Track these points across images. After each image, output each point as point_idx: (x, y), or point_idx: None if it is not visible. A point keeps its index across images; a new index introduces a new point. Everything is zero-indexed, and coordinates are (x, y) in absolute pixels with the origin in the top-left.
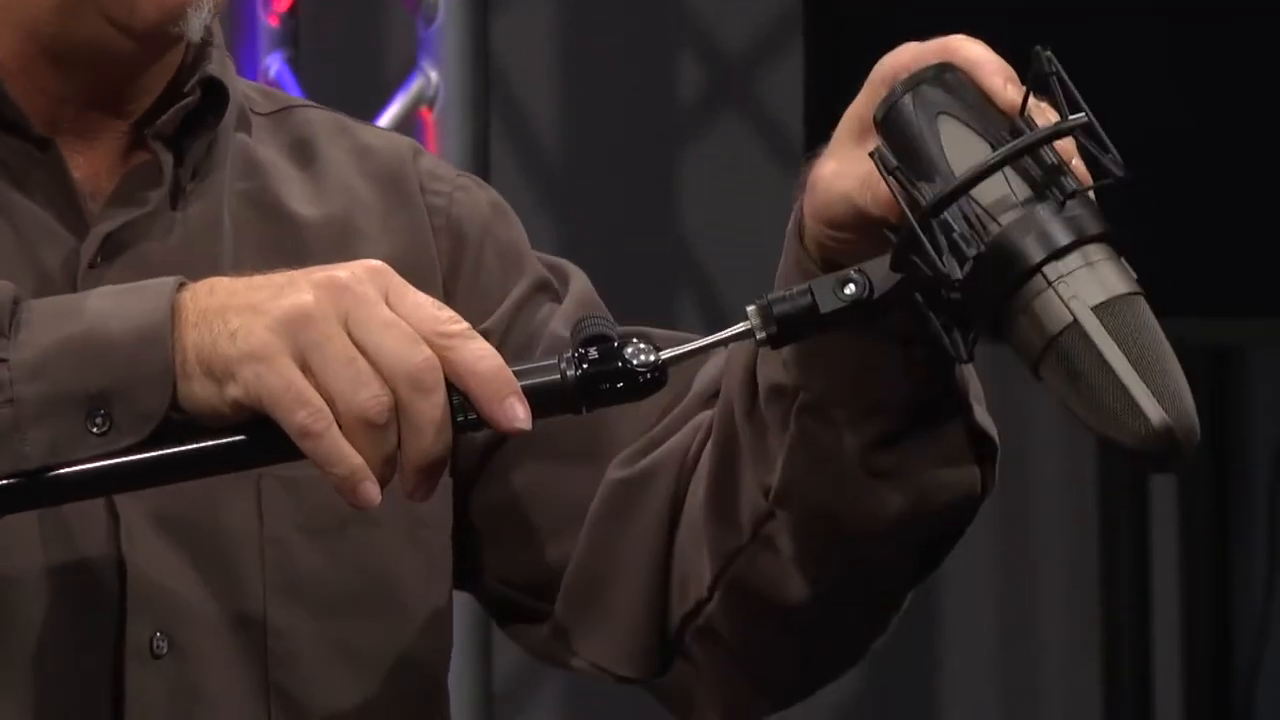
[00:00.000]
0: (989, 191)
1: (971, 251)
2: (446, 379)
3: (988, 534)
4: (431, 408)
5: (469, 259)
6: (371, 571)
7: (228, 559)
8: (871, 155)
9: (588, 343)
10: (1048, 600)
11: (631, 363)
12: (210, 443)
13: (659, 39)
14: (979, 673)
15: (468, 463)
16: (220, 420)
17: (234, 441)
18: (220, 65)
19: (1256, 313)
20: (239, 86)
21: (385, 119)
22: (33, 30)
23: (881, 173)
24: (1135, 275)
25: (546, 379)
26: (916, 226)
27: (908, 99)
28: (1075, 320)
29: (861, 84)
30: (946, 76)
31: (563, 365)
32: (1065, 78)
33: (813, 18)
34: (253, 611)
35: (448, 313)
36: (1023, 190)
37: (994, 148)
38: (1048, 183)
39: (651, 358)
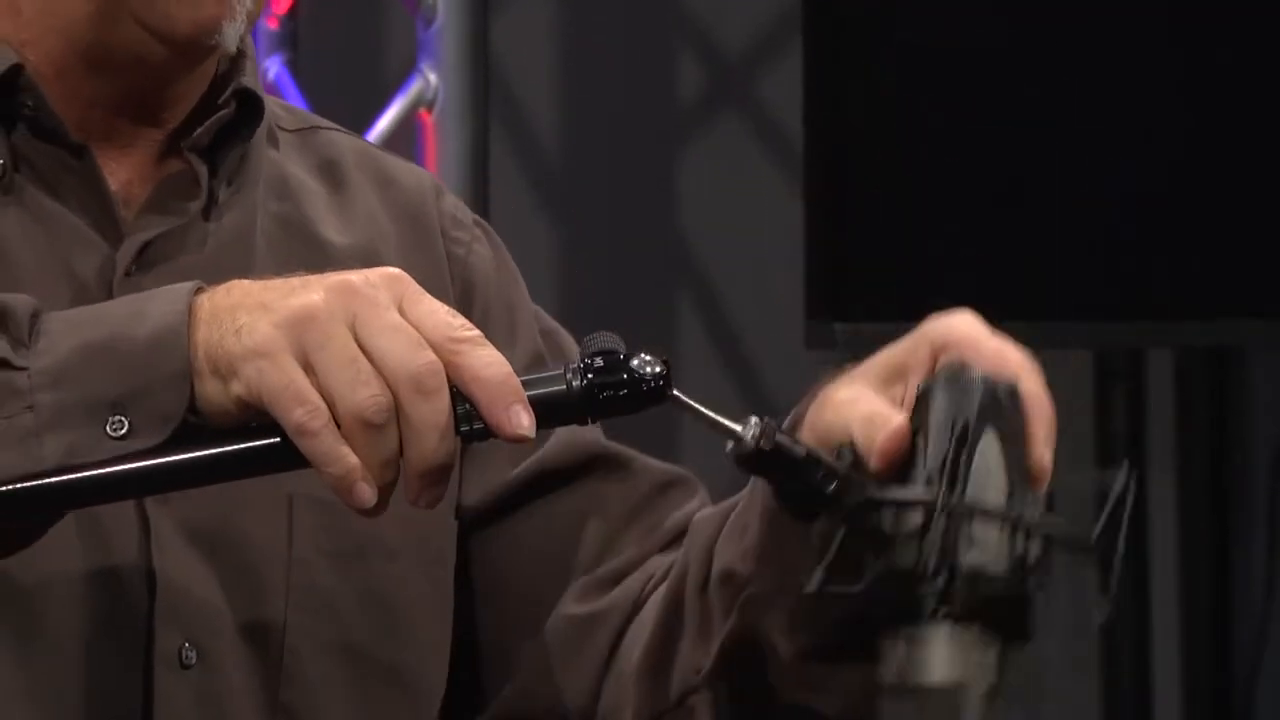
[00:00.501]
0: (978, 527)
1: (931, 561)
2: (453, 387)
3: None
4: (433, 412)
5: (475, 316)
6: (386, 602)
7: (255, 575)
8: (911, 420)
9: (594, 355)
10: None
11: (637, 373)
12: (219, 449)
13: (658, 39)
14: None
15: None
16: (228, 420)
17: (243, 448)
18: (253, 77)
19: (1257, 314)
20: (265, 101)
21: (384, 121)
22: (70, 37)
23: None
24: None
25: (552, 388)
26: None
27: (977, 394)
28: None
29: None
30: (1011, 400)
31: (569, 375)
32: (1126, 506)
33: (812, 18)
34: (273, 629)
35: (460, 320)
36: (1002, 550)
37: (1011, 496)
38: (1025, 566)
39: (657, 369)
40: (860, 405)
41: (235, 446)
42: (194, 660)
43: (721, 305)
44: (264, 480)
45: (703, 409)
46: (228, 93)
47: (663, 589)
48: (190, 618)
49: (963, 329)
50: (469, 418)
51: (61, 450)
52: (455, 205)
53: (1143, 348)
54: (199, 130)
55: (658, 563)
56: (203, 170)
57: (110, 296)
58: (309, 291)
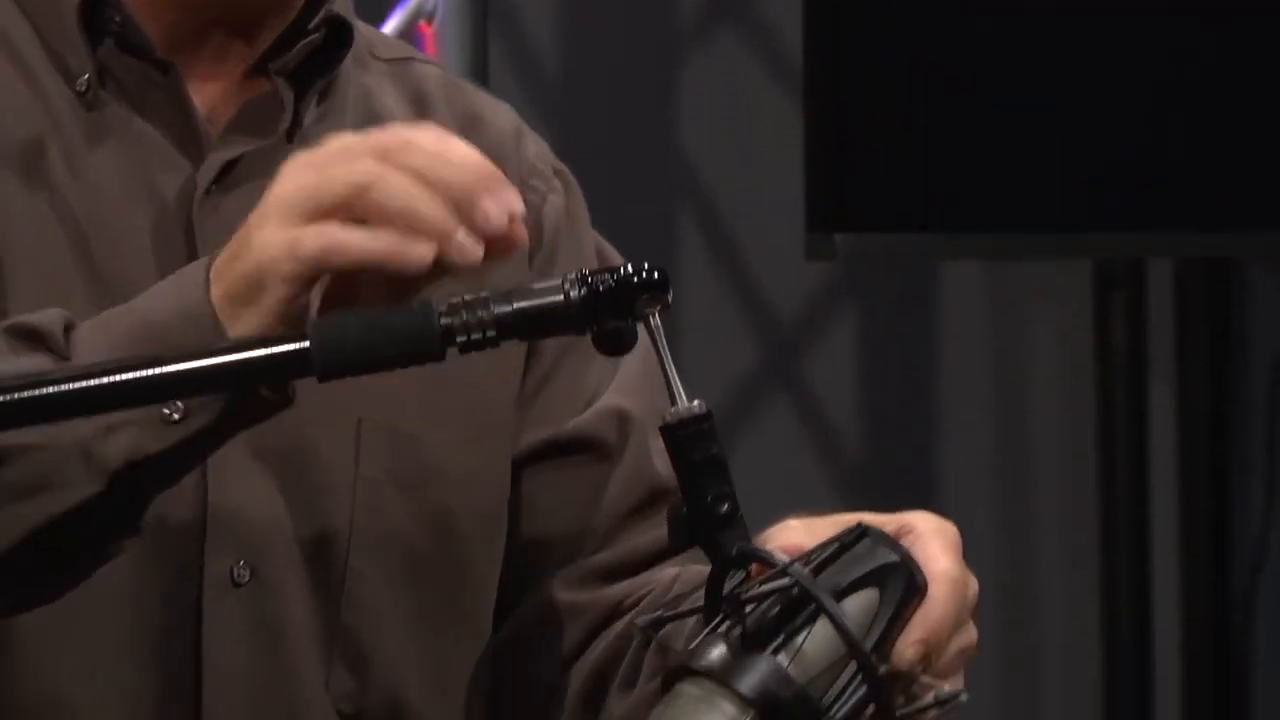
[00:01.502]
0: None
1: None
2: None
3: (986, 439)
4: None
5: (540, 265)
6: (447, 531)
7: (319, 493)
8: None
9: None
10: (1046, 511)
11: (634, 274)
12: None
13: None
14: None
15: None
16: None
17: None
18: (344, 4)
19: (1257, 224)
20: (359, 28)
21: (384, 32)
22: None
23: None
24: None
25: (551, 298)
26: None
27: (890, 557)
28: None
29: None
30: (912, 586)
31: (567, 285)
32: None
33: None
34: (337, 550)
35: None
36: (814, 666)
37: (859, 651)
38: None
39: (656, 272)
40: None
41: (259, 352)
42: (246, 579)
43: (721, 218)
44: (332, 404)
45: (666, 356)
46: (318, 18)
47: (627, 618)
48: (245, 536)
49: (933, 526)
50: None
51: (125, 450)
52: (537, 153)
53: (1143, 258)
54: (288, 54)
55: (662, 574)
56: (289, 94)
57: (189, 215)
58: (301, 173)
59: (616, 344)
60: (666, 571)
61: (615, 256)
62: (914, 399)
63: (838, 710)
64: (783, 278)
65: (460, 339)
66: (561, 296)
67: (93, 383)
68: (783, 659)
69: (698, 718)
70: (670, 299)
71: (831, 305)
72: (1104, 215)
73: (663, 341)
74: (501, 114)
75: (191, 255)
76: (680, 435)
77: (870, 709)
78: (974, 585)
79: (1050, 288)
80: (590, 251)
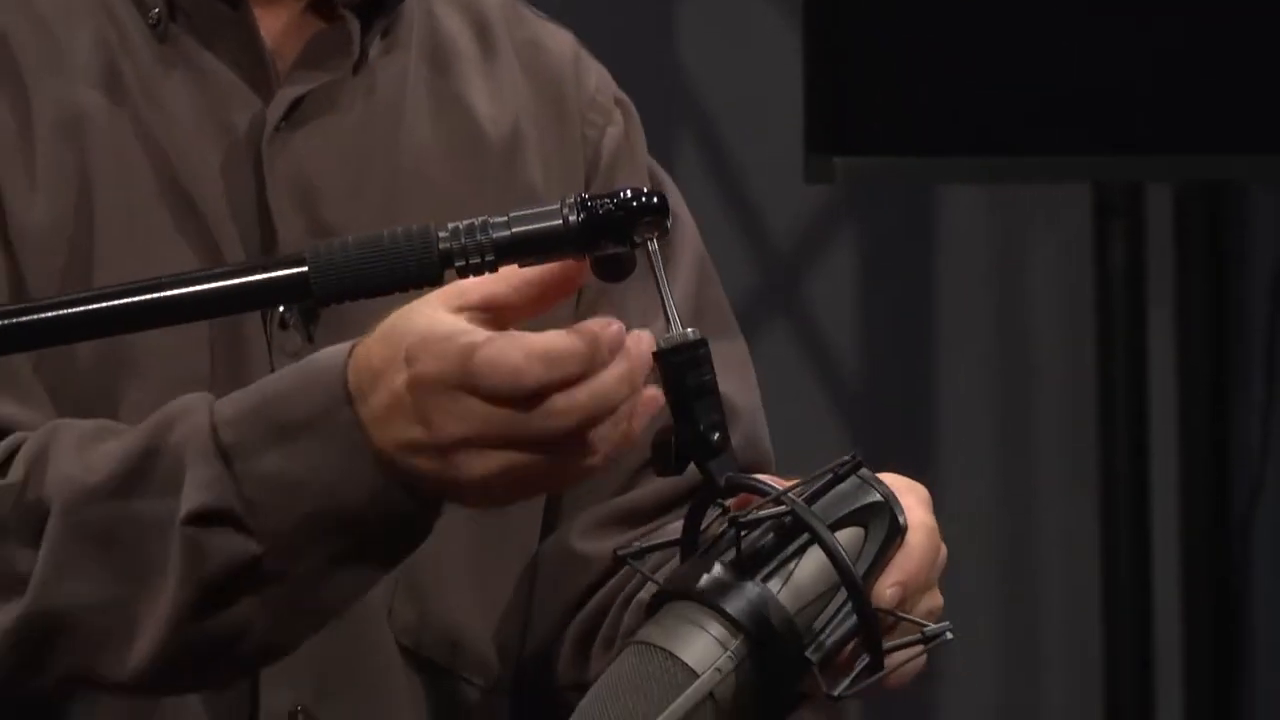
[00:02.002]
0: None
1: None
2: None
3: (984, 363)
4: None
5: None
6: None
7: None
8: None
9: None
10: (1045, 433)
11: (634, 198)
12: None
13: None
14: (979, 481)
15: None
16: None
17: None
18: None
19: (1257, 148)
20: None
21: None
22: None
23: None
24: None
25: (549, 222)
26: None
27: (877, 495)
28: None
29: None
30: (894, 525)
31: (565, 210)
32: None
33: None
34: None
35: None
36: (803, 598)
37: (856, 589)
38: (808, 632)
39: (655, 196)
40: None
41: (257, 276)
42: None
43: (721, 140)
44: None
45: (663, 281)
46: None
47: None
48: None
49: (906, 484)
50: None
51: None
52: (597, 84)
53: (1141, 181)
54: None
55: (672, 525)
56: (355, 26)
57: (259, 153)
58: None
59: (615, 270)
60: (675, 525)
61: (673, 190)
62: (913, 322)
63: (826, 637)
64: (782, 200)
65: (459, 263)
66: (560, 220)
67: (92, 306)
68: (774, 585)
69: (685, 638)
70: (669, 224)
71: (831, 228)
72: (1103, 139)
73: (660, 266)
74: (562, 42)
75: (261, 192)
76: (674, 361)
77: (857, 641)
78: (945, 551)
79: (1050, 211)
80: (644, 180)
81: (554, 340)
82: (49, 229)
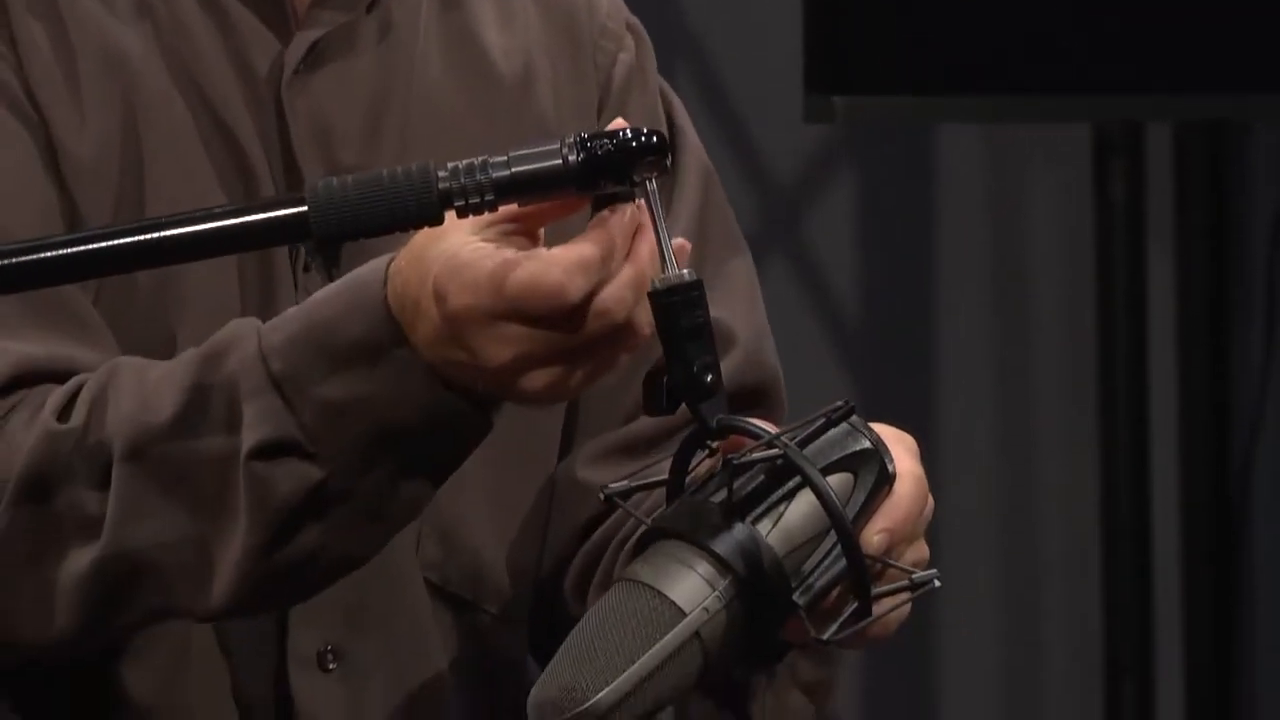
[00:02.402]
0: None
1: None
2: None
3: (984, 302)
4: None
5: (606, 118)
6: (530, 426)
7: None
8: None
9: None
10: (1045, 374)
11: (633, 137)
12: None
13: None
14: (981, 423)
15: None
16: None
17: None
18: None
19: (1257, 87)
20: None
21: None
22: None
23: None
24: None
25: (549, 162)
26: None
27: (868, 441)
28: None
29: None
30: (883, 474)
31: (564, 150)
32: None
33: None
34: None
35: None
36: (794, 539)
37: (846, 533)
38: (796, 574)
39: (655, 136)
40: None
41: (257, 216)
42: None
43: (719, 78)
44: None
45: (661, 220)
46: None
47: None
48: None
49: (895, 434)
50: None
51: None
52: (609, 11)
53: (1141, 121)
54: None
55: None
56: None
57: (279, 97)
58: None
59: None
60: (667, 463)
61: (681, 110)
62: (912, 262)
63: (814, 580)
64: (781, 139)
65: (459, 202)
66: (560, 160)
67: (90, 247)
68: (764, 527)
69: (672, 576)
70: (669, 163)
71: (830, 167)
72: (1102, 78)
73: (658, 206)
74: None
75: (284, 136)
76: (669, 301)
77: (845, 585)
78: (931, 502)
79: (1049, 150)
80: (655, 102)
81: (583, 250)
82: (99, 161)
